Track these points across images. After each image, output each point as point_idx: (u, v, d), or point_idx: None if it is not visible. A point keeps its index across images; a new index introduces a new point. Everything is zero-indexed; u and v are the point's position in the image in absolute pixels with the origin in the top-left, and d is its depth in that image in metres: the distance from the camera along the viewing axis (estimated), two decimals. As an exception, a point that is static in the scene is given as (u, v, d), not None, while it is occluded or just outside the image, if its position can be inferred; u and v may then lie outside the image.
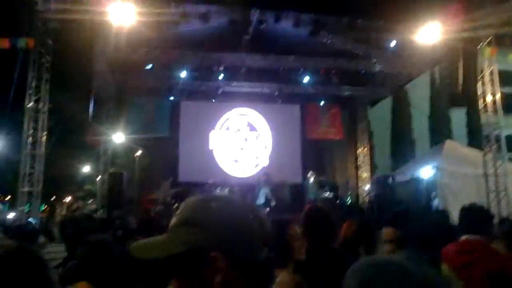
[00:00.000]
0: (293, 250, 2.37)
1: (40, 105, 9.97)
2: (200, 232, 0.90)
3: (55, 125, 14.11)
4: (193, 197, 1.00)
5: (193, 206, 0.96)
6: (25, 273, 1.29)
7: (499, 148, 10.96)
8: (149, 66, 12.76)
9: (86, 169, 24.04)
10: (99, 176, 15.27)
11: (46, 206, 24.45)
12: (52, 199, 26.09)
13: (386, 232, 2.98)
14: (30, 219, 8.92)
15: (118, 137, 14.93)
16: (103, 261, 2.38)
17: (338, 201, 13.18)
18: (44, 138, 10.07)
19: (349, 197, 15.20)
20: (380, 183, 11.43)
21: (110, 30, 9.57)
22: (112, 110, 14.00)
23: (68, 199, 26.73)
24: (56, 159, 16.81)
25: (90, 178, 22.78)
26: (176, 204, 12.63)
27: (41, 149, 9.95)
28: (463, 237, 2.65)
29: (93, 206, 15.50)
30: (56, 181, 21.28)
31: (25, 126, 9.81)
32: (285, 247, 2.30)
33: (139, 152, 16.21)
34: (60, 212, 23.86)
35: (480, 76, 10.89)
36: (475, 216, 2.72)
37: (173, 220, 0.96)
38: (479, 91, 10.97)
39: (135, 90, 14.09)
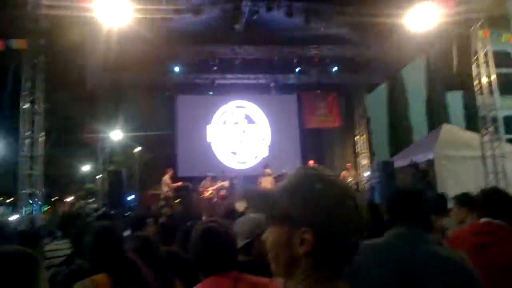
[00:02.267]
0: None
1: (36, 106, 9.92)
2: (299, 206, 0.98)
3: (52, 125, 14.07)
4: (303, 171, 1.06)
5: (299, 181, 1.03)
6: (17, 277, 1.28)
7: (496, 130, 10.97)
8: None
9: (86, 167, 24.04)
10: (99, 175, 15.29)
11: (48, 207, 24.47)
12: (53, 199, 26.12)
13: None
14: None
15: (116, 135, 14.90)
16: (110, 245, 2.42)
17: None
18: (42, 139, 9.99)
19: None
20: (382, 169, 11.38)
21: (102, 27, 9.53)
22: (108, 108, 13.98)
23: (69, 198, 26.78)
24: (55, 159, 16.81)
25: (90, 176, 22.77)
26: (179, 199, 12.63)
27: (39, 150, 9.88)
28: (482, 220, 2.59)
29: (95, 205, 15.53)
30: (57, 181, 21.26)
31: (21, 128, 9.78)
32: None
33: (138, 149, 16.20)
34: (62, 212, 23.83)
35: (475, 58, 10.86)
36: (498, 200, 2.62)
37: (283, 183, 1.06)
38: (474, 73, 10.95)
39: (130, 86, 14.05)
